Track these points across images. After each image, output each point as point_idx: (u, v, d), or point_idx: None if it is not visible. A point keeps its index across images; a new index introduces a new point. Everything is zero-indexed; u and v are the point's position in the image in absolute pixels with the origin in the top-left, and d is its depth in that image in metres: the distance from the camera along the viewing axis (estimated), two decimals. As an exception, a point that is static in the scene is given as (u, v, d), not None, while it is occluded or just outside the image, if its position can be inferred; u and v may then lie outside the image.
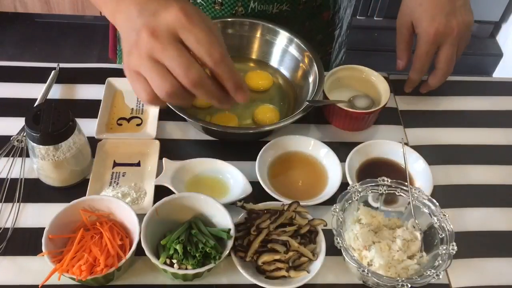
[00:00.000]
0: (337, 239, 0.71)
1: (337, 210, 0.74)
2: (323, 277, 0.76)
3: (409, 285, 0.68)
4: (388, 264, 0.71)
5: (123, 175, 0.85)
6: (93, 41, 2.62)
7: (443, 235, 0.73)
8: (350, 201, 0.76)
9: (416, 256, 0.73)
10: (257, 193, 0.81)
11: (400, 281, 0.68)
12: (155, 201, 0.76)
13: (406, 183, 0.77)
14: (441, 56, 0.93)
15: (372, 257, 0.72)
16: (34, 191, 0.83)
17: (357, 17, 2.48)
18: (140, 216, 0.73)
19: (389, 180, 0.77)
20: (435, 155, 0.91)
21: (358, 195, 0.77)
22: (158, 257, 0.70)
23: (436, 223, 0.74)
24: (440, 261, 0.70)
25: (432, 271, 0.69)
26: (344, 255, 0.71)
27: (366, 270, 0.69)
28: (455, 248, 0.70)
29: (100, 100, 0.93)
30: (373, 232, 0.76)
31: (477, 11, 2.64)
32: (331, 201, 0.79)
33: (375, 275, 0.69)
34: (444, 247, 0.71)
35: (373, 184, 0.77)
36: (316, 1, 1.04)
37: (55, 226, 0.72)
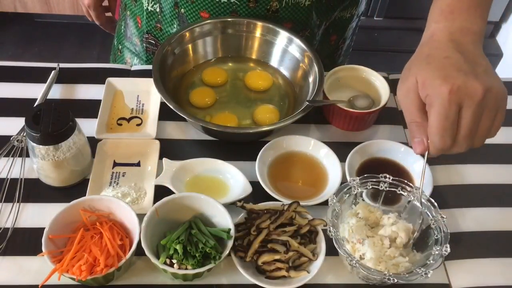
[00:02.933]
0: (329, 228, 0.71)
1: (334, 201, 0.74)
2: (323, 277, 0.76)
3: (396, 280, 0.68)
4: (379, 259, 0.72)
5: (123, 175, 0.85)
6: (93, 41, 2.61)
7: (439, 236, 0.73)
8: (348, 194, 0.76)
9: (410, 255, 0.73)
10: (257, 193, 0.81)
11: (387, 275, 0.68)
12: (155, 201, 0.76)
13: (406, 182, 0.77)
14: (460, 122, 0.67)
15: (365, 250, 0.72)
16: (34, 191, 0.83)
17: (357, 17, 2.49)
18: (140, 216, 0.73)
19: (391, 178, 0.77)
20: (435, 155, 0.91)
21: (357, 189, 0.77)
22: (158, 257, 0.70)
23: (433, 224, 0.74)
24: (432, 261, 0.70)
25: (422, 269, 0.69)
26: (335, 246, 0.71)
27: (354, 261, 0.69)
28: (448, 250, 0.70)
29: (100, 100, 0.93)
30: (369, 227, 0.76)
31: (477, 11, 2.61)
32: (331, 201, 0.79)
33: (363, 267, 0.69)
34: (438, 248, 0.71)
35: (374, 180, 0.77)
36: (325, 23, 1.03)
37: (55, 226, 0.72)
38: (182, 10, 0.99)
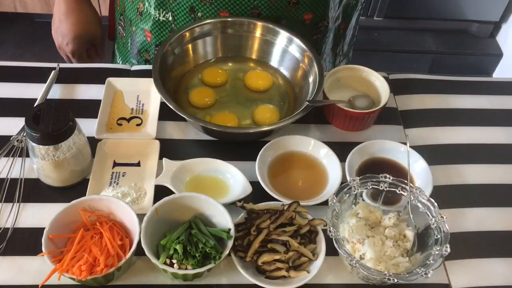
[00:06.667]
0: (329, 229, 0.71)
1: (334, 201, 0.74)
2: (323, 277, 0.76)
3: (396, 280, 0.68)
4: (379, 259, 0.72)
5: (123, 175, 0.85)
6: (93, 41, 2.61)
7: (439, 236, 0.73)
8: (348, 194, 0.76)
9: (409, 255, 0.73)
10: (257, 193, 0.81)
11: (387, 275, 0.68)
12: (155, 201, 0.76)
13: (406, 182, 0.77)
14: None
15: (365, 250, 0.72)
16: (34, 191, 0.83)
17: (357, 17, 2.48)
18: (140, 216, 0.73)
19: (391, 178, 0.77)
20: (435, 155, 0.91)
21: (357, 189, 0.77)
22: (158, 257, 0.70)
23: (433, 224, 0.74)
24: (432, 261, 0.70)
25: (422, 269, 0.69)
26: (335, 246, 0.71)
27: (354, 261, 0.69)
28: (448, 250, 0.70)
29: (100, 100, 0.93)
30: (369, 227, 0.76)
31: (477, 11, 2.64)
32: (331, 201, 0.79)
33: (364, 267, 0.69)
34: (438, 248, 0.71)
35: (374, 180, 0.77)
36: None
37: (55, 226, 0.72)
38: (199, 14, 0.98)
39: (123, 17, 1.10)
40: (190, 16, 0.99)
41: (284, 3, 0.97)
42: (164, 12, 1.00)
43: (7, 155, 0.86)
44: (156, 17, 1.01)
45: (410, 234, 0.75)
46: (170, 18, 1.00)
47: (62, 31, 1.10)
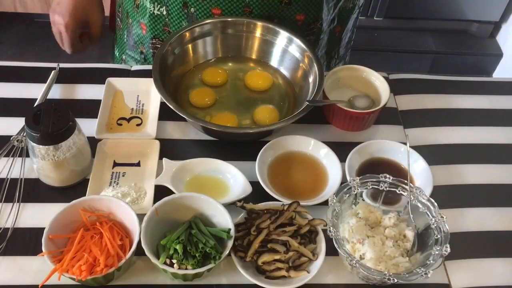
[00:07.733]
0: (329, 229, 0.71)
1: (334, 201, 0.74)
2: (323, 277, 0.76)
3: (396, 280, 0.68)
4: (379, 259, 0.72)
5: (123, 175, 0.85)
6: (93, 41, 2.61)
7: (439, 236, 0.73)
8: (348, 194, 0.76)
9: (409, 254, 0.73)
10: (257, 193, 0.81)
11: (387, 275, 0.68)
12: (155, 201, 0.76)
13: (406, 182, 0.77)
14: None
15: (365, 250, 0.72)
16: (34, 191, 0.83)
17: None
18: (140, 216, 0.73)
19: (391, 178, 0.77)
20: (435, 155, 0.91)
21: (357, 189, 0.77)
22: (158, 257, 0.70)
23: (433, 224, 0.74)
24: (432, 261, 0.70)
25: (422, 269, 0.69)
26: (335, 246, 0.71)
27: (354, 261, 0.69)
28: (448, 250, 0.70)
29: (100, 100, 0.93)
30: (369, 227, 0.76)
31: (477, 11, 2.64)
32: (331, 201, 0.79)
33: (363, 267, 0.69)
34: (438, 248, 0.71)
35: (374, 180, 0.77)
36: None
37: (55, 226, 0.72)
38: (192, 10, 0.98)
39: (121, 9, 1.11)
40: (183, 11, 0.99)
41: (276, 3, 0.97)
42: (158, 6, 1.01)
43: (7, 155, 0.86)
44: (151, 10, 1.01)
45: (410, 234, 0.75)
46: (165, 12, 1.00)
47: (60, 6, 1.03)
